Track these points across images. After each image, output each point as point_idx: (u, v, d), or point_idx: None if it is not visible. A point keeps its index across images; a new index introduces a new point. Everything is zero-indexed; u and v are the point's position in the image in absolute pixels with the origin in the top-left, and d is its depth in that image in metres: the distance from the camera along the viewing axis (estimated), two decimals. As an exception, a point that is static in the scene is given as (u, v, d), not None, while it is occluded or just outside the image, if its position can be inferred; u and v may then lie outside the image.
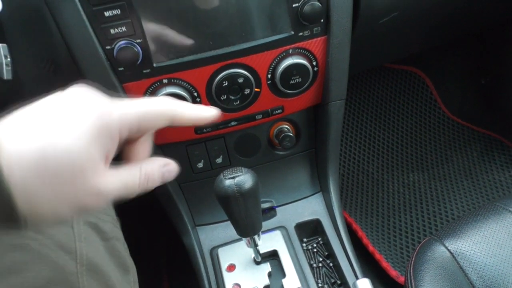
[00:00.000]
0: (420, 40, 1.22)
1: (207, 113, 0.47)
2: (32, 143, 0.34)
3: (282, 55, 0.77)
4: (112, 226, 0.65)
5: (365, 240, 1.27)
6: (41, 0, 0.68)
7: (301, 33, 0.76)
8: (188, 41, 0.72)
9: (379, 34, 0.95)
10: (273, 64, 0.78)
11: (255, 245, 0.79)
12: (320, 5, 0.73)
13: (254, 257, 0.85)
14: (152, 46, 0.71)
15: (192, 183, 0.94)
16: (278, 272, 0.85)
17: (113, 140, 0.38)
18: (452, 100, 1.61)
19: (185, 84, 0.75)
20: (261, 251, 0.85)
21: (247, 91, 0.78)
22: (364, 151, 1.54)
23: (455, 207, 1.34)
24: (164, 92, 0.74)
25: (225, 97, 0.78)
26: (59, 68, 0.77)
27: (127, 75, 0.73)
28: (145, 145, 0.44)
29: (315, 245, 0.96)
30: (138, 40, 0.70)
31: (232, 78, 0.76)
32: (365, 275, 0.85)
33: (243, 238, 0.78)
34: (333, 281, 0.90)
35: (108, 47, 0.70)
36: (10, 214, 0.33)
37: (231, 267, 0.86)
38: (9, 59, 0.67)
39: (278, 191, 1.01)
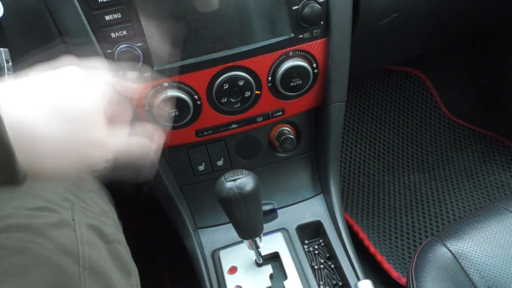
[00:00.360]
0: (420, 42, 1.22)
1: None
2: (45, 99, 0.37)
3: (282, 57, 0.77)
4: (114, 229, 0.65)
5: (367, 242, 1.26)
6: (42, 4, 0.68)
7: (301, 36, 0.76)
8: (188, 44, 0.72)
9: (379, 35, 0.95)
10: (274, 66, 0.78)
11: (257, 247, 0.79)
12: (320, 7, 0.73)
13: (255, 259, 0.85)
14: (152, 50, 0.71)
15: (193, 185, 0.94)
16: (279, 274, 0.85)
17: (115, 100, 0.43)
18: (452, 101, 1.61)
19: (185, 87, 0.76)
20: (263, 253, 0.85)
21: (247, 93, 0.78)
22: (365, 152, 1.54)
23: (456, 208, 1.34)
24: (165, 95, 0.74)
25: (225, 99, 0.78)
26: (60, 72, 0.77)
27: (128, 79, 0.73)
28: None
29: (316, 246, 0.96)
30: (139, 44, 0.70)
31: (233, 80, 0.76)
32: (366, 276, 0.84)
33: (244, 240, 0.78)
34: (334, 282, 0.90)
35: (108, 51, 0.70)
36: (8, 164, 0.33)
37: (233, 270, 0.86)
38: (10, 64, 0.67)
39: (279, 193, 1.01)
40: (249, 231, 0.75)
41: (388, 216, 1.35)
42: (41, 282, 0.49)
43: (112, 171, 0.44)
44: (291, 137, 0.89)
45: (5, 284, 0.47)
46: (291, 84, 0.79)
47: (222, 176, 0.69)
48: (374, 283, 0.76)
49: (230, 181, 0.67)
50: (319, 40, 0.78)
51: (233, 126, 0.84)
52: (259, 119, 0.84)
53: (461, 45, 1.57)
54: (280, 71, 0.77)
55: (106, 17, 0.67)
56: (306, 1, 0.72)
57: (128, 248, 0.66)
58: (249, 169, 0.71)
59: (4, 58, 0.65)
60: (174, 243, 1.36)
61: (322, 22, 0.76)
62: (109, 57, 0.70)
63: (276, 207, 1.00)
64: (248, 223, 0.72)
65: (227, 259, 0.89)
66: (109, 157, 0.42)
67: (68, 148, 0.38)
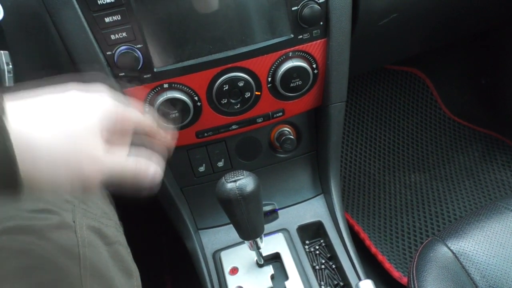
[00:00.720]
0: (419, 41, 1.22)
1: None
2: (52, 127, 0.39)
3: (282, 58, 0.77)
4: (115, 231, 0.65)
5: (368, 242, 1.26)
6: (42, 7, 0.68)
7: (300, 36, 0.76)
8: (188, 46, 0.72)
9: (379, 35, 0.95)
10: (273, 67, 0.78)
11: (258, 248, 0.79)
12: (319, 7, 0.73)
13: (256, 260, 0.85)
14: (152, 51, 0.71)
15: (194, 187, 0.94)
16: (281, 274, 0.85)
17: (113, 127, 0.45)
18: (452, 101, 1.61)
19: (186, 88, 0.76)
20: (264, 254, 0.85)
21: (247, 94, 0.78)
22: (365, 152, 1.54)
23: (457, 207, 1.34)
24: (165, 96, 0.74)
25: (225, 100, 0.78)
26: (61, 74, 0.77)
27: (127, 80, 0.73)
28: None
29: (317, 247, 0.96)
30: (139, 45, 0.70)
31: (233, 81, 0.76)
32: (367, 276, 0.84)
33: (245, 241, 0.78)
34: (336, 283, 0.90)
35: (108, 53, 0.70)
36: (11, 175, 0.35)
37: (234, 270, 0.86)
38: (11, 66, 0.67)
39: (280, 193, 1.01)
40: (250, 232, 0.75)
41: (389, 216, 1.35)
42: (42, 284, 0.49)
43: (111, 187, 0.46)
44: (291, 138, 0.89)
45: (7, 286, 0.47)
46: (291, 84, 0.79)
47: (223, 177, 0.69)
48: (375, 283, 0.76)
49: (230, 182, 0.67)
50: (318, 41, 0.78)
51: (233, 127, 0.84)
52: (259, 120, 0.84)
53: (461, 44, 1.57)
54: (280, 72, 0.77)
55: (105, 19, 0.67)
56: (305, 2, 0.72)
57: (129, 250, 0.66)
58: (250, 170, 0.71)
59: (4, 60, 0.65)
60: (175, 244, 1.36)
61: (321, 23, 0.76)
62: (109, 59, 0.70)
63: (277, 208, 1.00)
64: (249, 223, 0.72)
65: (228, 260, 0.89)
66: (104, 173, 0.44)
67: (65, 161, 0.40)
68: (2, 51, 0.66)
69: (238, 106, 0.80)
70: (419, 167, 1.49)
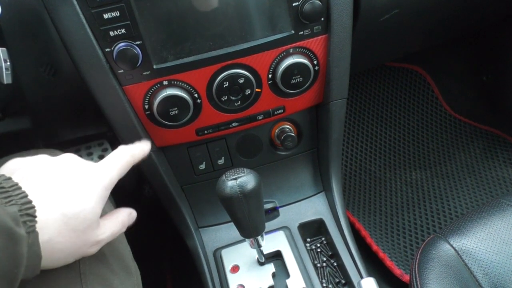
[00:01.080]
0: (421, 38, 1.22)
1: (146, 145, 0.63)
2: (56, 210, 0.47)
3: (282, 54, 0.77)
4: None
5: (369, 239, 1.26)
6: (40, 3, 0.68)
7: (301, 32, 0.75)
8: (188, 42, 0.72)
9: (380, 32, 0.95)
10: (274, 64, 0.77)
11: (259, 245, 0.79)
12: (321, 3, 0.72)
13: (257, 258, 0.85)
14: (151, 48, 0.71)
15: (194, 185, 0.94)
16: (282, 272, 0.85)
17: (106, 199, 0.54)
18: (453, 98, 1.61)
19: (185, 85, 0.75)
20: (265, 252, 0.85)
21: (248, 91, 0.78)
22: (366, 150, 1.54)
23: (458, 205, 1.34)
24: (165, 94, 0.73)
25: (226, 97, 0.78)
26: (59, 72, 0.77)
27: (127, 77, 0.73)
28: None
29: (318, 245, 0.95)
30: (138, 42, 0.69)
31: (233, 78, 0.76)
32: (369, 274, 0.84)
33: (246, 239, 0.78)
34: (337, 280, 0.89)
35: (107, 50, 0.69)
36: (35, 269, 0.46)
37: (235, 268, 0.86)
38: (8, 63, 0.66)
39: (281, 191, 1.00)
40: (251, 230, 0.74)
41: (390, 214, 1.35)
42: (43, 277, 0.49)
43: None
44: (292, 135, 0.88)
45: None
46: (292, 81, 0.79)
47: (223, 175, 0.68)
48: (377, 280, 0.76)
49: (231, 179, 0.67)
50: (319, 37, 0.77)
51: (234, 124, 0.83)
52: (260, 117, 0.84)
53: (462, 41, 1.56)
54: (281, 69, 0.77)
55: (104, 15, 0.67)
56: (306, -3, 0.72)
57: (129, 248, 0.66)
58: (250, 167, 0.70)
59: (2, 57, 0.65)
60: (175, 243, 1.35)
61: (322, 19, 0.75)
62: (108, 55, 0.70)
63: (278, 206, 1.00)
64: (250, 221, 0.71)
65: (229, 258, 0.88)
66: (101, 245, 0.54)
67: (73, 251, 0.50)
68: (0, 48, 0.66)
69: (239, 103, 0.79)
70: (420, 164, 1.49)
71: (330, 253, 0.94)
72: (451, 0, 0.98)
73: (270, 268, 0.84)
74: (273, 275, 0.83)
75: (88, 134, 1.19)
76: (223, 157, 0.91)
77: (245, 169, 0.68)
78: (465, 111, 1.58)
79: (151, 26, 0.69)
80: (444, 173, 1.44)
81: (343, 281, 0.89)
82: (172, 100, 0.74)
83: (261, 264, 0.85)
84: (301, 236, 0.93)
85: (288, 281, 0.83)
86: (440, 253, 0.76)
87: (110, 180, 0.54)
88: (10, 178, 0.45)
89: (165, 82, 0.74)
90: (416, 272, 0.75)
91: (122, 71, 0.72)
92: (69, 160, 0.54)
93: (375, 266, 1.22)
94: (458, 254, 0.76)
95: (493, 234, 0.77)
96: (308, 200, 1.00)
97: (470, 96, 1.61)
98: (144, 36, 0.69)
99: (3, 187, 0.44)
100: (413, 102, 1.61)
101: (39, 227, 0.45)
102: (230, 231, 0.95)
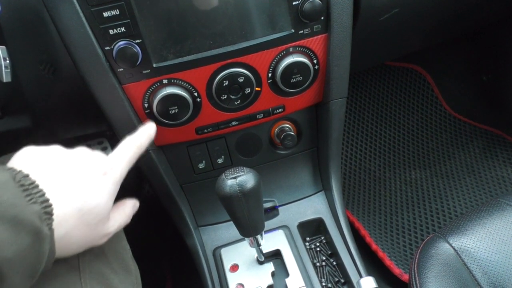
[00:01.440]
0: (421, 37, 1.22)
1: (150, 128, 0.66)
2: (72, 206, 0.49)
3: (282, 53, 0.77)
4: (114, 228, 0.65)
5: (368, 238, 1.26)
6: (40, 2, 0.67)
7: (301, 31, 0.75)
8: (187, 41, 0.72)
9: (380, 31, 0.95)
10: (274, 62, 0.77)
11: (258, 244, 0.79)
12: (321, 2, 0.72)
13: (257, 257, 0.85)
14: (151, 46, 0.71)
15: (193, 183, 0.94)
16: (281, 271, 0.85)
17: (116, 193, 0.56)
18: (453, 97, 1.61)
19: (185, 84, 0.75)
20: (264, 251, 0.85)
21: (247, 90, 0.78)
22: (366, 149, 1.54)
23: (458, 204, 1.34)
24: (164, 92, 0.73)
25: (225, 96, 0.77)
26: (59, 70, 0.76)
27: (126, 76, 0.73)
28: None
29: (318, 244, 0.95)
30: (137, 41, 0.69)
31: (233, 77, 0.76)
32: (368, 273, 0.84)
33: (246, 238, 0.78)
34: (336, 279, 0.89)
35: (107, 48, 0.69)
36: (48, 265, 0.47)
37: (234, 267, 0.86)
38: (8, 62, 0.66)
39: (280, 190, 1.00)
40: (250, 229, 0.74)
41: (390, 213, 1.35)
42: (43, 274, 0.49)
43: None
44: (292, 134, 0.88)
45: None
46: (292, 80, 0.79)
47: (223, 174, 0.68)
48: (376, 280, 0.76)
49: (231, 178, 0.67)
50: (319, 36, 0.77)
51: (233, 123, 0.83)
52: (260, 116, 0.84)
53: (462, 41, 1.56)
54: (281, 68, 0.77)
55: (104, 13, 0.67)
56: (306, -4, 0.72)
57: (128, 247, 0.66)
58: (250, 166, 0.70)
59: (1, 56, 0.65)
60: (175, 242, 1.35)
61: (322, 18, 0.75)
62: (108, 54, 0.70)
63: (277, 205, 1.00)
64: (249, 220, 0.71)
65: (229, 257, 0.88)
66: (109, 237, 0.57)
67: (86, 243, 0.53)
68: (-1, 46, 0.66)
69: (238, 102, 0.79)
70: (419, 163, 1.49)
71: (329, 252, 0.94)
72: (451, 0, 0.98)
73: (270, 267, 0.84)
74: (273, 274, 0.83)
75: (87, 132, 1.19)
76: (222, 156, 0.91)
77: (244, 168, 0.68)
78: (464, 111, 1.58)
79: (151, 24, 0.69)
80: (443, 172, 1.44)
81: (342, 280, 0.89)
82: (171, 98, 0.74)
83: (261, 263, 0.85)
84: (300, 235, 0.93)
85: (287, 280, 0.83)
86: (440, 253, 0.76)
87: (120, 174, 0.56)
88: (28, 175, 0.45)
89: (165, 81, 0.74)
90: (415, 271, 0.75)
91: (121, 69, 0.72)
92: (83, 154, 0.55)
93: (374, 265, 1.22)
94: (457, 253, 0.76)
95: (492, 233, 0.78)
96: (307, 199, 1.00)
97: (470, 96, 1.61)
98: (144, 35, 0.69)
99: (23, 185, 0.44)
100: (413, 102, 1.61)
101: (55, 224, 0.46)
102: (229, 230, 0.95)
